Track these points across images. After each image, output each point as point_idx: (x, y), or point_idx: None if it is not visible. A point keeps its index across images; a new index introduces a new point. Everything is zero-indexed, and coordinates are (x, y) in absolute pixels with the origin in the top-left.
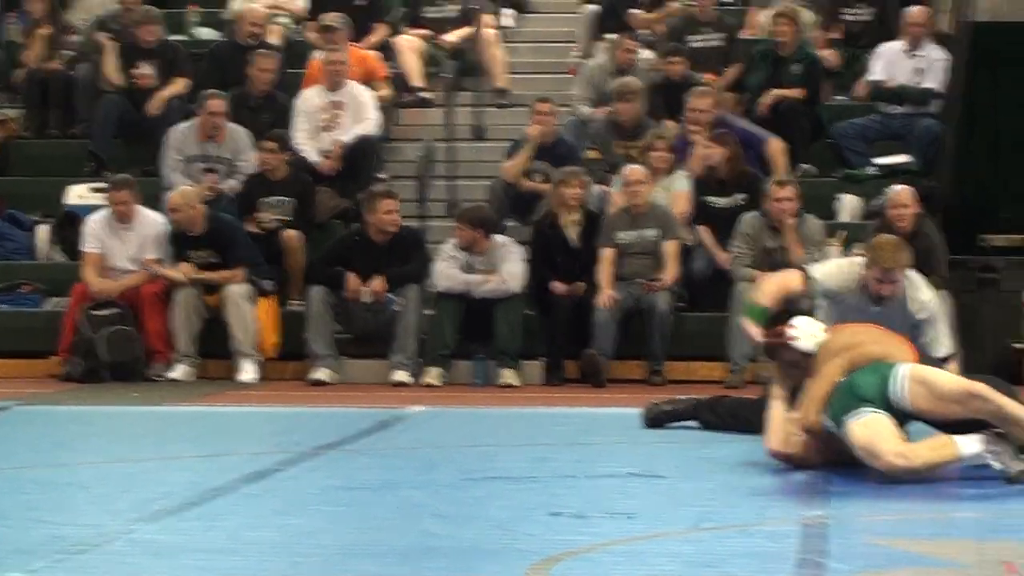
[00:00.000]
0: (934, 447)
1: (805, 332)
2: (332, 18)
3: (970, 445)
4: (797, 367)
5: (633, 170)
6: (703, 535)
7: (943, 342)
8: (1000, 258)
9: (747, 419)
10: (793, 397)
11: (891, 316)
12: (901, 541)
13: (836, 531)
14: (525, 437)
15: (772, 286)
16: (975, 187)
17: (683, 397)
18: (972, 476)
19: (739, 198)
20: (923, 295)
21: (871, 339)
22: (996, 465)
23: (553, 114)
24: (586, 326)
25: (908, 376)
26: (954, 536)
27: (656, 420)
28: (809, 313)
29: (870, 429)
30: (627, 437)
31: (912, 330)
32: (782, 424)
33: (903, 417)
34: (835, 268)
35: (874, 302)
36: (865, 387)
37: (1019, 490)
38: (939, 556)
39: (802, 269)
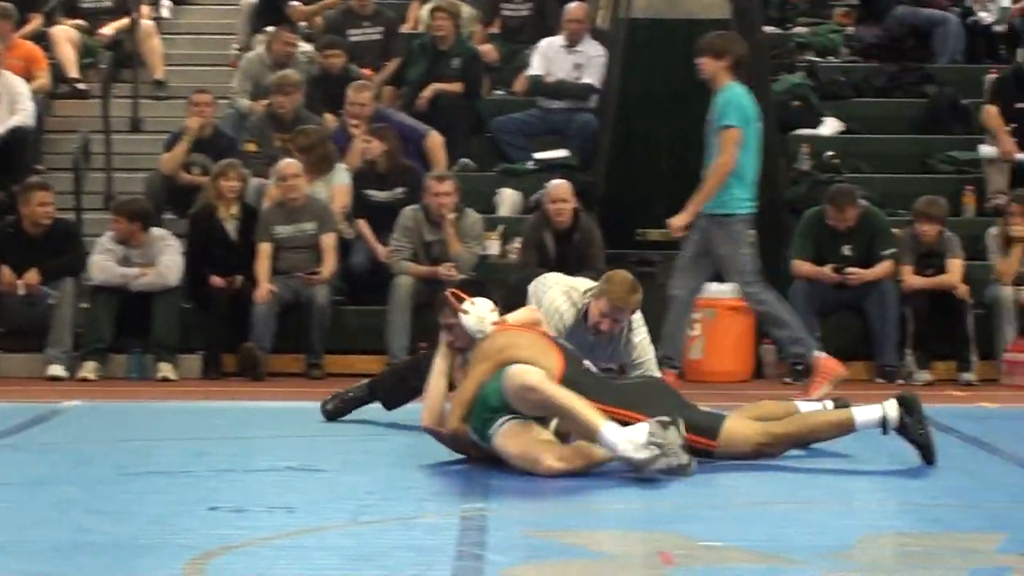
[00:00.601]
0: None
1: (477, 313)
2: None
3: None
4: (459, 341)
5: (288, 164)
6: (362, 529)
7: (655, 372)
8: (656, 252)
9: (413, 387)
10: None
11: (602, 347)
12: (559, 533)
13: (495, 524)
14: (183, 431)
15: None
16: (632, 182)
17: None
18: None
19: (398, 192)
20: (637, 337)
21: (523, 344)
22: (659, 458)
23: (211, 106)
24: (244, 319)
25: (505, 376)
26: (611, 528)
27: (336, 411)
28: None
29: (519, 439)
30: (286, 431)
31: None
32: (439, 400)
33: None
34: (548, 317)
35: (591, 332)
36: (492, 395)
37: (677, 481)
38: (596, 548)
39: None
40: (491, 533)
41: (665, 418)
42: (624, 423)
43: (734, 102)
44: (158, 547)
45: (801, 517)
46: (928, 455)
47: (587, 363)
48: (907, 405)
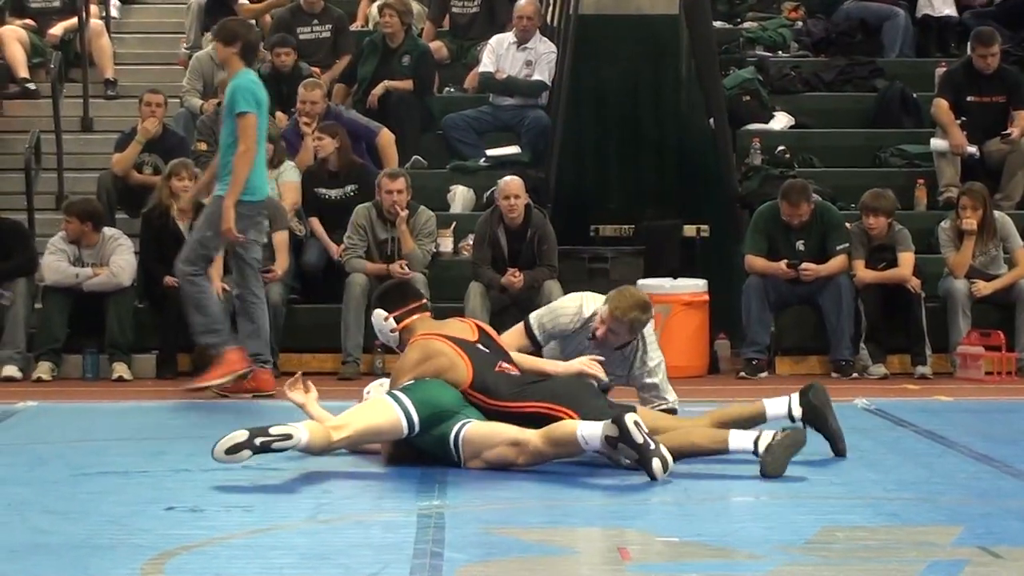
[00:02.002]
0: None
1: (376, 325)
2: None
3: (590, 428)
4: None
5: None
6: (320, 527)
7: (668, 395)
8: (609, 248)
9: None
10: None
11: (611, 361)
12: (515, 530)
13: (452, 521)
14: (138, 431)
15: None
16: (584, 178)
17: None
18: (587, 463)
19: (350, 190)
20: (651, 362)
21: (434, 352)
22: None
23: (162, 106)
24: None
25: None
26: (569, 524)
27: None
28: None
29: (484, 429)
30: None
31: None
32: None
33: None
34: (549, 312)
35: (589, 338)
36: (443, 396)
37: (634, 476)
38: (553, 544)
39: (525, 321)
40: (449, 531)
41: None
42: (547, 418)
43: (245, 88)
44: (115, 547)
45: (758, 511)
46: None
47: (505, 365)
48: (807, 406)
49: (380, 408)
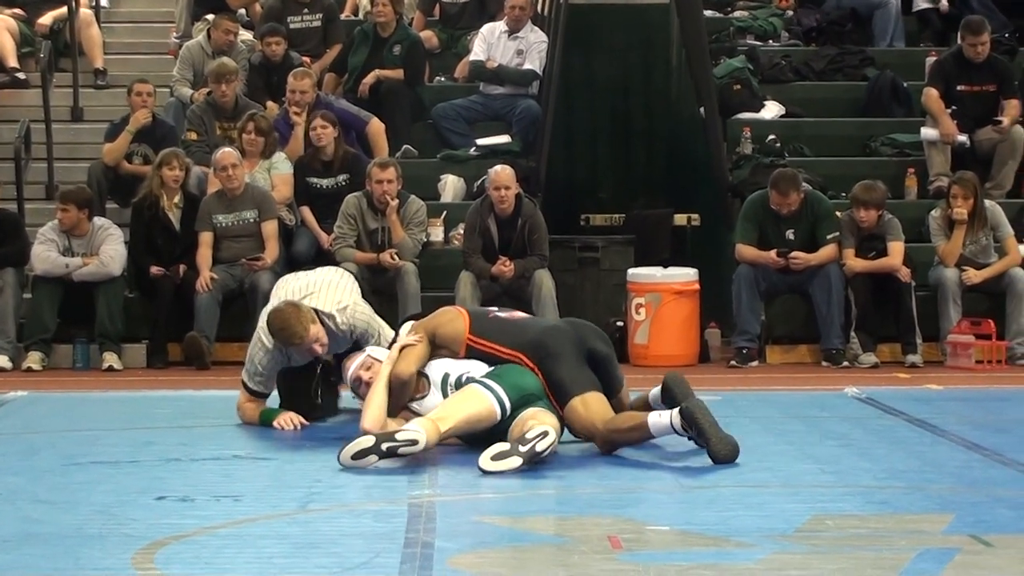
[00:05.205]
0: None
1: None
2: None
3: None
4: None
5: (225, 154)
6: (311, 516)
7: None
8: (600, 237)
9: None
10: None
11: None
12: (506, 519)
13: (444, 511)
14: (128, 421)
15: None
16: (574, 167)
17: None
18: (579, 452)
19: (341, 179)
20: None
21: (443, 319)
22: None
23: (152, 95)
24: (188, 309)
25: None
26: (560, 512)
27: None
28: None
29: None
30: (232, 419)
31: None
32: (382, 408)
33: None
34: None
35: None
36: (526, 381)
37: (627, 465)
38: (543, 532)
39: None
40: (440, 520)
41: None
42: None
43: None
44: (105, 537)
45: (749, 500)
46: (714, 453)
47: (494, 310)
48: (687, 417)
49: (474, 397)
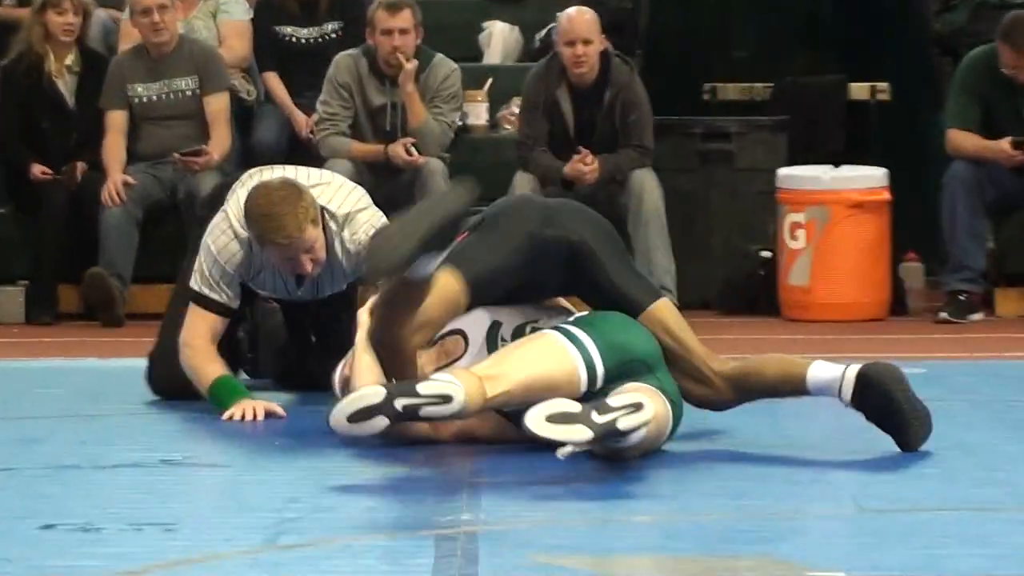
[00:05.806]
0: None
1: None
2: None
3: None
4: None
5: None
6: (283, 555)
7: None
8: (734, 119)
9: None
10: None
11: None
12: (587, 560)
13: (487, 546)
14: (0, 406)
15: None
16: (695, 9)
17: None
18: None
19: (331, 28)
20: None
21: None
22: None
23: None
24: (90, 232)
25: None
26: (670, 551)
27: None
28: None
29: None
30: (159, 405)
31: None
32: (373, 368)
33: None
34: None
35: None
36: (637, 341)
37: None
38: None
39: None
40: (484, 561)
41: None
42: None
43: None
44: None
45: (969, 530)
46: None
47: None
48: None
49: (547, 349)
